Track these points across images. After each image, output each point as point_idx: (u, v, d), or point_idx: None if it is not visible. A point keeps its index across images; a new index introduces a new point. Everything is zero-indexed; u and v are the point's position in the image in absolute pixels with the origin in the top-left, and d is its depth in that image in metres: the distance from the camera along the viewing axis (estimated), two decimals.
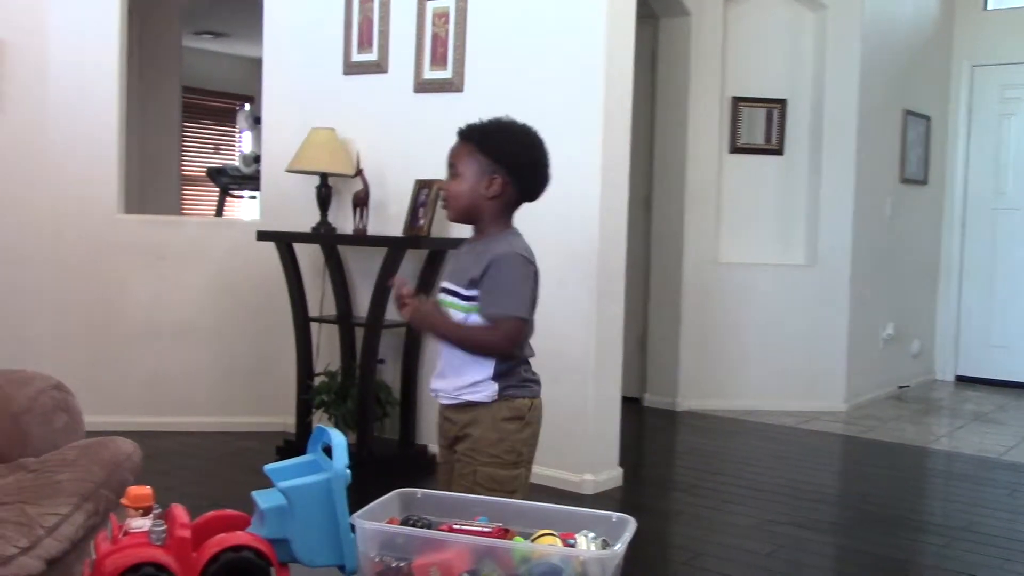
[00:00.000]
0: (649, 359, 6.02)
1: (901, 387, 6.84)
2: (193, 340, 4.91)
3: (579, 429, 4.02)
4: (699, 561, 3.40)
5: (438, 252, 4.36)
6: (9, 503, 1.88)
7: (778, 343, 5.96)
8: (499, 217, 2.27)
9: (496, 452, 2.23)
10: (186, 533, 1.22)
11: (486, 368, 2.21)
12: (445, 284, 2.30)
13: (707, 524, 3.83)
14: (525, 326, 2.22)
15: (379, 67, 4.63)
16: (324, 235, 4.52)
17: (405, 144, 4.52)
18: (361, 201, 4.42)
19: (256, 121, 7.62)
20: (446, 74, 4.40)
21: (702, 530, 3.77)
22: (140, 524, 1.22)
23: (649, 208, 6.00)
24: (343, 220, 4.64)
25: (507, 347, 2.20)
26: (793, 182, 6.07)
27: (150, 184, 6.72)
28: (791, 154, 6.05)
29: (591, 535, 1.34)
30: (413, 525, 1.36)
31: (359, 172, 4.43)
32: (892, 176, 6.59)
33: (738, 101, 5.96)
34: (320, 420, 4.41)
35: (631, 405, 5.51)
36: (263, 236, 4.51)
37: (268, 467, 1.35)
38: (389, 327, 4.32)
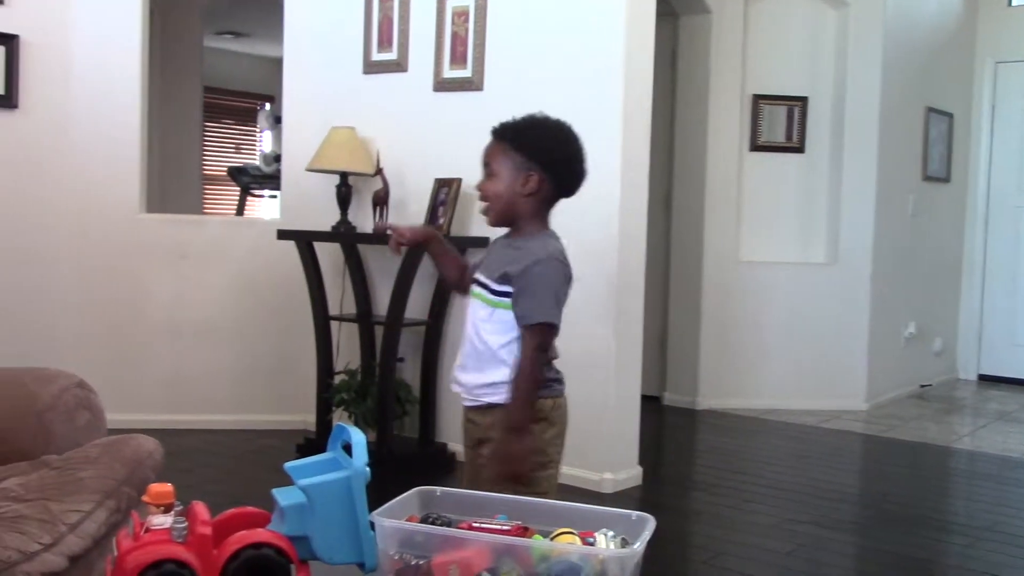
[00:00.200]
0: (669, 358, 6.00)
1: (923, 386, 6.79)
2: (214, 338, 4.94)
3: (599, 428, 4.02)
4: (719, 560, 3.39)
5: (458, 250, 4.35)
6: (32, 500, 1.89)
7: (799, 342, 5.93)
8: (536, 215, 2.26)
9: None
10: (207, 530, 1.23)
11: (506, 369, 2.20)
12: (478, 276, 2.28)
13: (727, 523, 3.81)
14: (554, 331, 2.21)
15: (399, 66, 4.63)
16: (344, 234, 4.53)
17: (425, 143, 4.53)
18: (381, 200, 4.43)
19: (276, 120, 7.66)
20: (466, 73, 4.41)
21: (722, 529, 3.75)
22: (161, 521, 1.23)
23: (669, 206, 5.99)
24: (363, 219, 4.65)
25: (537, 360, 2.18)
26: (814, 180, 6.04)
27: (171, 183, 6.75)
28: (812, 152, 6.02)
29: (610, 534, 1.34)
30: (432, 523, 1.36)
31: (379, 171, 4.43)
32: (914, 174, 6.54)
33: (759, 99, 5.94)
34: (340, 418, 4.43)
35: (651, 404, 5.50)
36: (283, 235, 4.53)
37: (288, 465, 1.35)
38: (409, 325, 4.33)
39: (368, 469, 1.31)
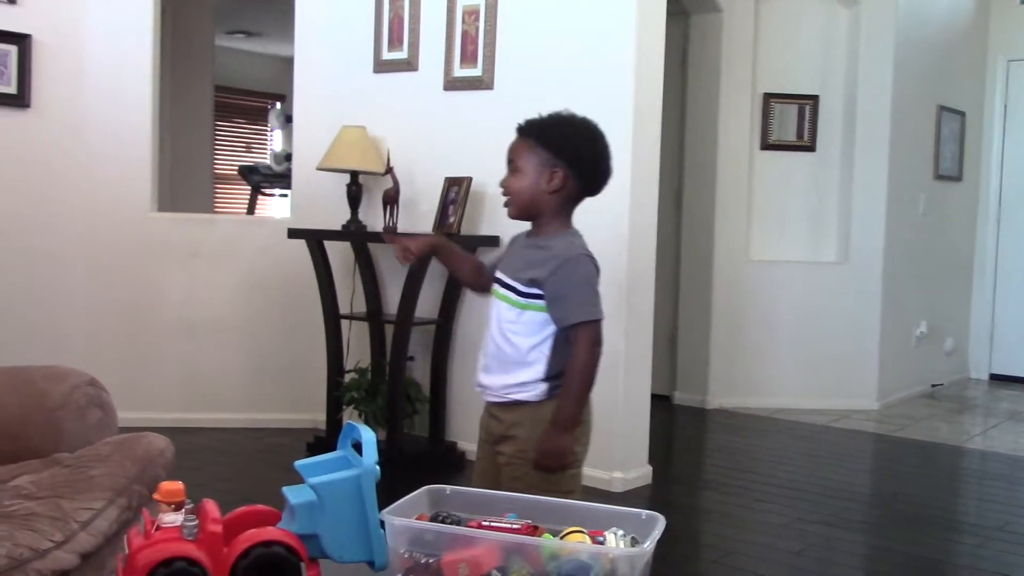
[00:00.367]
0: (679, 356, 6.00)
1: (934, 385, 6.77)
2: (225, 337, 4.95)
3: (609, 426, 4.01)
4: (729, 559, 3.38)
5: (468, 249, 4.36)
6: (44, 498, 1.90)
7: (809, 341, 5.92)
8: (559, 213, 2.24)
9: None
10: (218, 528, 1.23)
11: (537, 368, 2.19)
12: (500, 276, 2.26)
13: (737, 522, 3.81)
14: (600, 325, 2.20)
15: (409, 65, 4.64)
16: (354, 233, 4.54)
17: (435, 142, 4.53)
18: (391, 199, 4.43)
19: (287, 120, 7.67)
20: (476, 72, 4.41)
21: (732, 528, 3.75)
22: (172, 519, 1.23)
23: (680, 205, 5.98)
24: (373, 218, 4.66)
25: (595, 354, 2.18)
26: (825, 179, 6.02)
27: (183, 182, 6.78)
28: (823, 151, 6.00)
29: (620, 532, 1.34)
30: (442, 521, 1.37)
31: (389, 170, 4.44)
32: (926, 172, 6.52)
33: (770, 97, 5.93)
34: (350, 417, 4.43)
35: (661, 403, 5.49)
36: (294, 234, 4.54)
37: (299, 463, 1.35)
38: (419, 324, 4.34)
39: (378, 468, 1.32)
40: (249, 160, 9.84)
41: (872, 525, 3.85)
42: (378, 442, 1.34)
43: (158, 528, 1.23)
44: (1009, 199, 7.16)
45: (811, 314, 5.92)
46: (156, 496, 1.25)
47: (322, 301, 4.53)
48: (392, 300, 4.53)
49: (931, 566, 3.40)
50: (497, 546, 1.29)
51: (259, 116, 10.37)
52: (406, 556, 1.31)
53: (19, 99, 4.66)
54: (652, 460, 4.27)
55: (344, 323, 4.59)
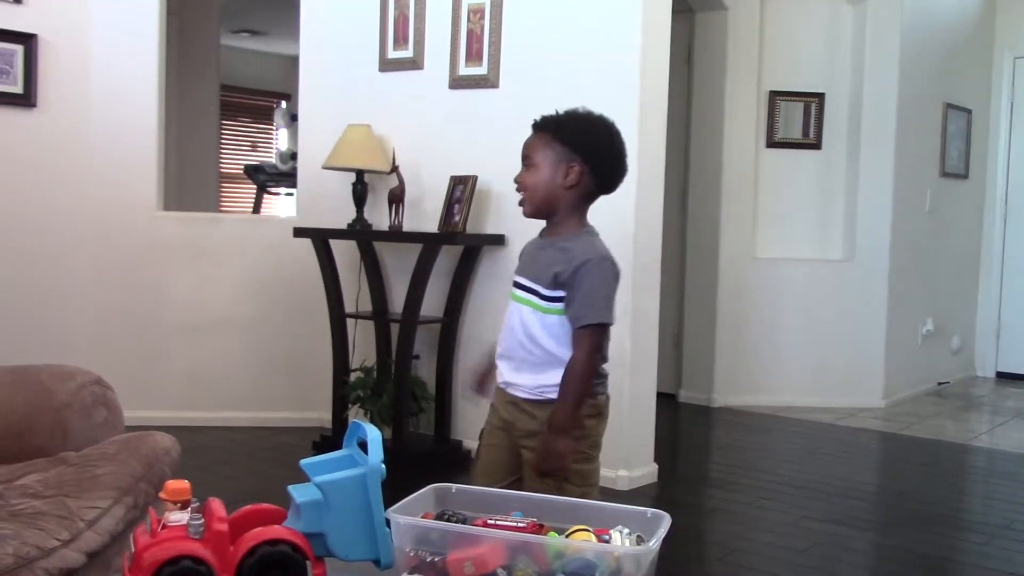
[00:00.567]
0: (685, 355, 5.99)
1: (941, 383, 6.76)
2: (231, 336, 4.96)
3: (614, 425, 3.96)
4: (734, 557, 3.38)
5: (473, 248, 4.37)
6: (50, 496, 1.90)
7: (815, 339, 5.91)
8: (575, 210, 2.23)
9: (579, 447, 2.22)
10: (223, 527, 1.24)
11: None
12: (520, 280, 2.25)
13: (743, 520, 3.81)
14: (606, 330, 2.20)
15: (415, 64, 4.64)
16: (360, 231, 4.54)
17: (440, 140, 4.53)
18: (396, 197, 4.44)
19: (293, 118, 7.68)
20: (481, 70, 4.41)
21: (738, 526, 3.75)
22: (178, 518, 1.24)
23: (685, 203, 5.97)
24: (379, 216, 4.66)
25: (592, 361, 2.18)
26: (831, 177, 6.01)
27: (189, 182, 6.78)
28: (829, 148, 5.99)
29: (626, 531, 1.34)
30: (448, 520, 1.37)
31: (395, 168, 4.44)
32: (932, 170, 6.51)
33: (775, 95, 5.92)
34: (356, 416, 4.44)
35: (666, 401, 5.49)
36: (300, 233, 4.55)
37: (304, 462, 1.36)
38: (424, 323, 4.34)
39: (383, 466, 1.32)
40: (255, 159, 9.85)
41: (878, 523, 3.84)
42: (383, 441, 1.35)
43: (164, 527, 1.23)
44: (1015, 196, 7.14)
45: (817, 312, 5.91)
46: (162, 495, 1.26)
47: (328, 300, 4.54)
48: (398, 299, 4.54)
49: (937, 564, 3.39)
50: (502, 544, 1.29)
51: (265, 115, 10.38)
52: (412, 554, 1.31)
53: (25, 98, 4.67)
54: (658, 458, 4.26)
55: (350, 322, 4.59)
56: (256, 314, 4.97)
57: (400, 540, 1.31)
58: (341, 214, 4.63)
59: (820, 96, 5.95)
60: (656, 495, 4.05)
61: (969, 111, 6.89)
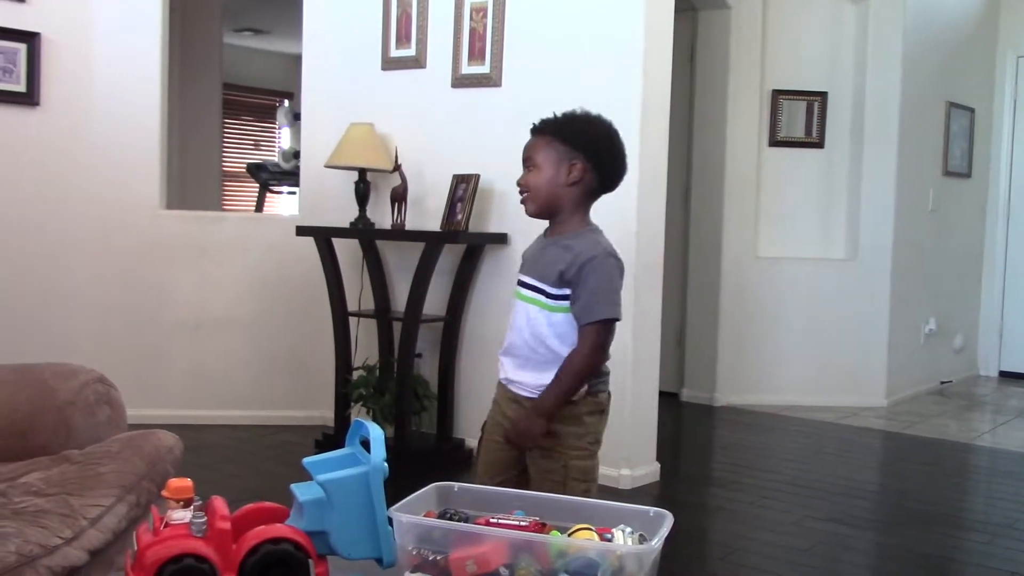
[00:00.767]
0: (687, 354, 5.99)
1: (943, 383, 6.76)
2: (233, 334, 4.96)
3: (616, 424, 3.98)
4: (736, 557, 3.38)
5: (475, 247, 4.37)
6: (53, 495, 1.91)
7: (818, 338, 5.91)
8: (578, 208, 2.25)
9: (582, 444, 2.24)
10: (226, 525, 1.24)
11: None
12: (526, 279, 2.26)
13: (745, 520, 3.81)
14: (612, 326, 2.21)
15: (417, 62, 4.64)
16: (362, 230, 4.54)
17: (443, 139, 4.53)
18: (399, 196, 4.44)
19: (295, 117, 7.67)
20: (484, 69, 4.41)
21: (740, 526, 3.75)
22: (181, 516, 1.24)
23: (688, 202, 5.97)
24: (381, 215, 4.66)
25: (594, 357, 2.19)
26: (833, 176, 6.01)
27: (191, 180, 6.78)
28: (832, 147, 5.99)
29: (628, 530, 1.34)
30: (450, 519, 1.37)
31: (397, 167, 4.44)
32: (935, 169, 6.50)
33: (778, 94, 5.91)
34: (358, 414, 4.44)
35: (669, 400, 5.49)
36: (302, 231, 4.55)
37: (307, 460, 1.36)
38: (427, 321, 4.34)
39: (386, 465, 1.32)
40: (257, 158, 9.85)
41: (880, 523, 3.84)
42: (386, 439, 1.35)
43: (167, 525, 1.23)
44: (1018, 196, 7.14)
45: (819, 311, 5.91)
46: (165, 493, 1.26)
47: (330, 298, 4.54)
48: (400, 297, 4.54)
49: (939, 564, 3.39)
50: (505, 543, 1.29)
51: (267, 114, 10.39)
52: (414, 553, 1.31)
53: (28, 97, 4.67)
54: (660, 457, 4.26)
55: (352, 320, 4.60)
56: (259, 313, 4.97)
57: (402, 539, 1.31)
58: (344, 213, 4.63)
59: (823, 95, 5.95)
60: (658, 494, 4.05)
61: (972, 110, 6.88)
